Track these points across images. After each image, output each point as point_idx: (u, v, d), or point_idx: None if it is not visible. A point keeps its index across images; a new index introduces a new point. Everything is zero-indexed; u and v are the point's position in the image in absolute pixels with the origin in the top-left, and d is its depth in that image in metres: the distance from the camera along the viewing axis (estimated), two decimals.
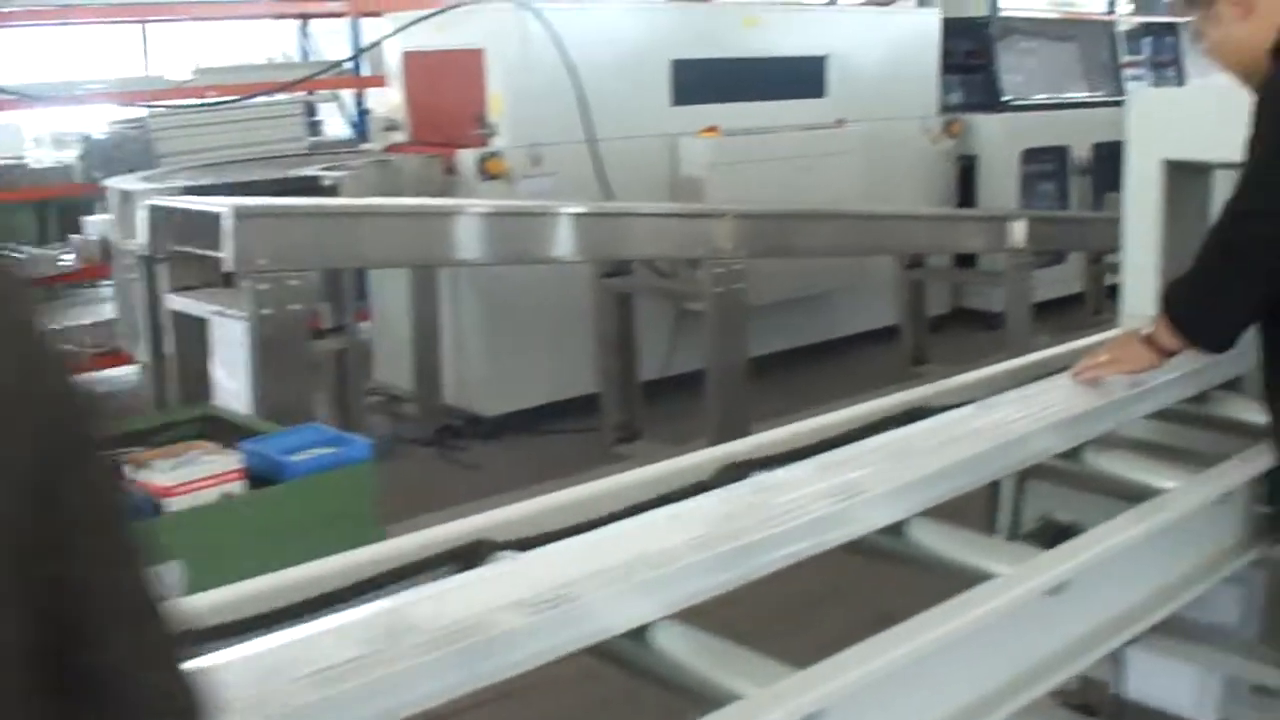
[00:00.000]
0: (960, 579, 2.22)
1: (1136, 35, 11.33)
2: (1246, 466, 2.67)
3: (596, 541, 2.08)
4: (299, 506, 3.02)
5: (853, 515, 2.25)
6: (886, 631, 1.89)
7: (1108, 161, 9.83)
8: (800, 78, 8.36)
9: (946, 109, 9.48)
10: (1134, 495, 2.60)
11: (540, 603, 1.79)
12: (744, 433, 6.28)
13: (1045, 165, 9.89)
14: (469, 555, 2.17)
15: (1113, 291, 9.18)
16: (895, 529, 2.35)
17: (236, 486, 3.09)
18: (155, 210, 5.50)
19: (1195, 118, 3.75)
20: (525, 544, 2.23)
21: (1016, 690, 2.11)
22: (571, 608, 1.82)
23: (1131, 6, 11.68)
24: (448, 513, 5.52)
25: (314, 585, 2.00)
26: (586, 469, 6.33)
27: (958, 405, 2.94)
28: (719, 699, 1.79)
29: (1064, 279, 9.49)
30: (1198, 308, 2.69)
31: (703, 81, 7.75)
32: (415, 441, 7.02)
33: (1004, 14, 10.21)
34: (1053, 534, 2.77)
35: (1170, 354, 2.77)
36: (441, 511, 5.65)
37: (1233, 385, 3.32)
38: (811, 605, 3.61)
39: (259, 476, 3.16)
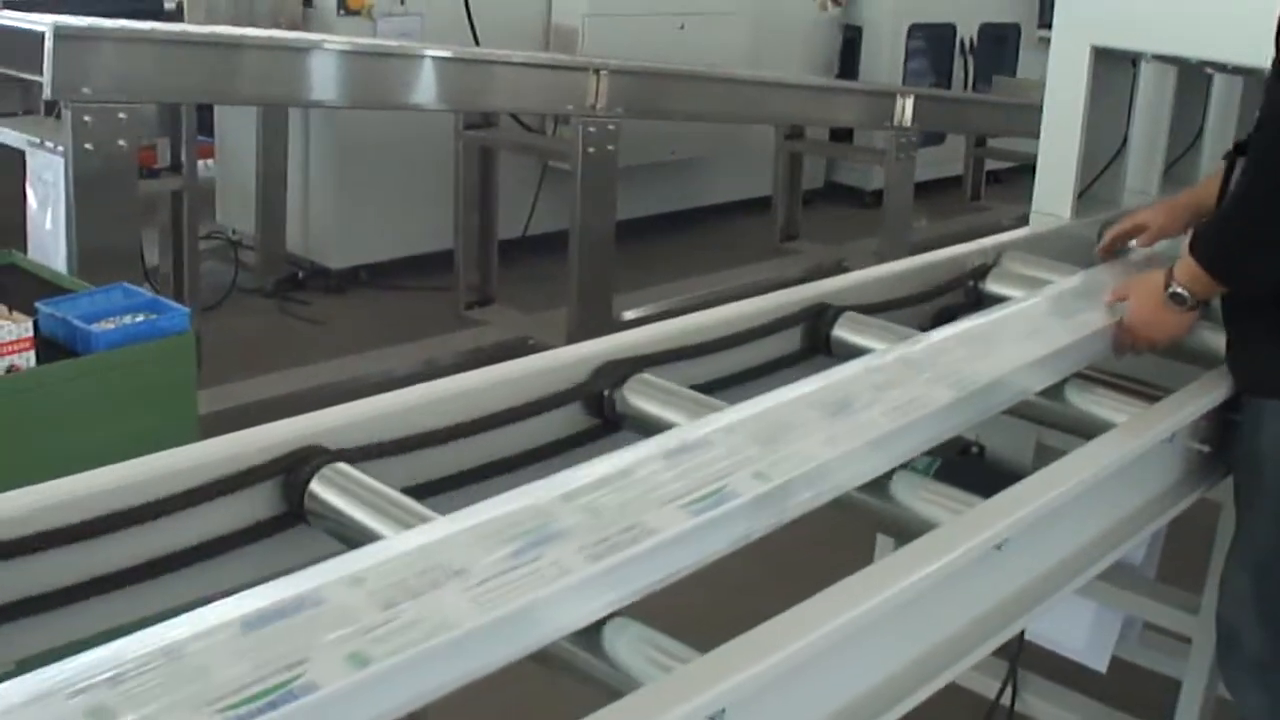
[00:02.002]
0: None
1: None
2: (1200, 400, 2.38)
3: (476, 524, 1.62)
4: (101, 385, 2.57)
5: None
6: (814, 599, 1.57)
7: (993, 43, 9.71)
8: None
9: None
10: (1079, 429, 2.33)
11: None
12: (606, 303, 6.13)
13: (930, 41, 9.62)
14: (295, 466, 1.78)
15: (992, 177, 9.30)
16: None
17: (25, 359, 2.63)
18: None
19: (1127, 2, 3.46)
20: (363, 453, 1.85)
21: (957, 652, 1.83)
22: None
23: None
24: (284, 375, 5.27)
25: (95, 501, 1.61)
26: (436, 332, 6.05)
27: (858, 306, 2.59)
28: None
29: (942, 160, 9.29)
30: (1242, 249, 2.38)
31: None
32: (255, 292, 6.64)
33: None
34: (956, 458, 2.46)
35: (1201, 304, 2.47)
36: (279, 373, 5.31)
37: None
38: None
39: (55, 346, 2.71)
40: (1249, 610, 2.51)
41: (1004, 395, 2.27)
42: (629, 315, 6.19)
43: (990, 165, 9.38)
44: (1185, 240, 2.57)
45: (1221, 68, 3.46)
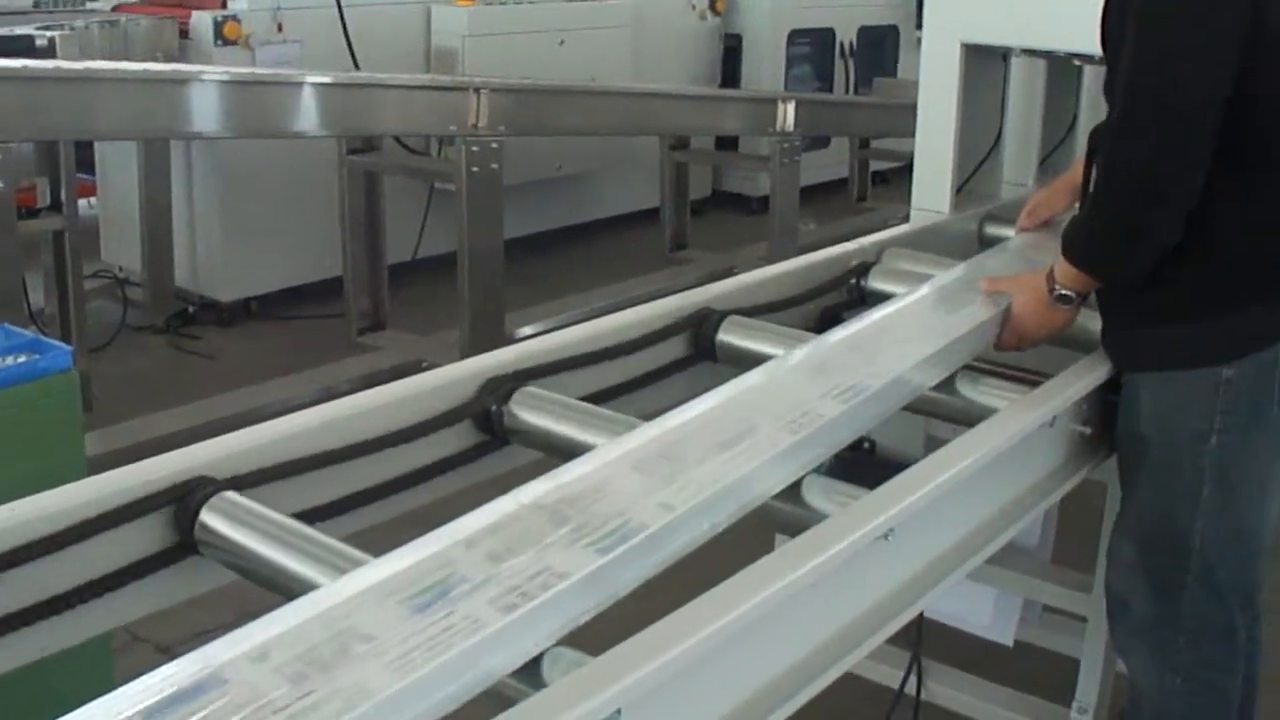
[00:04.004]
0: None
1: None
2: (1080, 383, 2.44)
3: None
4: None
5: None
6: (704, 596, 1.59)
7: (873, 45, 9.80)
8: None
9: None
10: (965, 419, 2.36)
11: None
12: (498, 321, 6.13)
13: (811, 46, 9.67)
14: (184, 496, 1.78)
15: (877, 177, 9.39)
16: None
17: None
18: None
19: None
20: (252, 479, 1.85)
21: (852, 641, 1.86)
22: None
23: None
24: (178, 411, 5.22)
25: None
26: (330, 360, 6.02)
27: (742, 309, 2.61)
28: None
29: (828, 164, 9.35)
30: (1109, 248, 2.45)
31: None
32: (146, 329, 6.55)
33: None
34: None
35: (1083, 298, 2.55)
36: (173, 409, 5.27)
37: None
38: None
39: None
40: (1137, 578, 2.59)
41: (897, 397, 2.28)
42: (523, 332, 6.19)
43: (875, 165, 9.45)
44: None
45: (1089, 59, 3.52)
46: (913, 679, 3.22)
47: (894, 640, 2.12)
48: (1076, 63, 3.73)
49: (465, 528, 1.64)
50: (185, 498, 1.78)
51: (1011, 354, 2.61)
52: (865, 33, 9.79)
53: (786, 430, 1.98)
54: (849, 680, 1.87)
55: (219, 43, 6.32)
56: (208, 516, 1.77)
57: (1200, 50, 2.27)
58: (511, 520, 1.67)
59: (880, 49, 9.89)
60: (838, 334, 2.43)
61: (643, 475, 1.82)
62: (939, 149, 3.58)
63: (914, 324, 2.52)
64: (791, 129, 7.44)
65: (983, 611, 3.20)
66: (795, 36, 9.42)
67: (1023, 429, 2.22)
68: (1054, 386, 2.41)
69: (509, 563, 1.56)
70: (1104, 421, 2.58)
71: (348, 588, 1.50)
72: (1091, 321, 2.60)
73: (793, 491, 2.02)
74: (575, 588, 1.54)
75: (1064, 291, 2.51)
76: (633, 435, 1.95)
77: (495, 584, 1.51)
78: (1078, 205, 2.78)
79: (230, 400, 5.40)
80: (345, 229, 6.37)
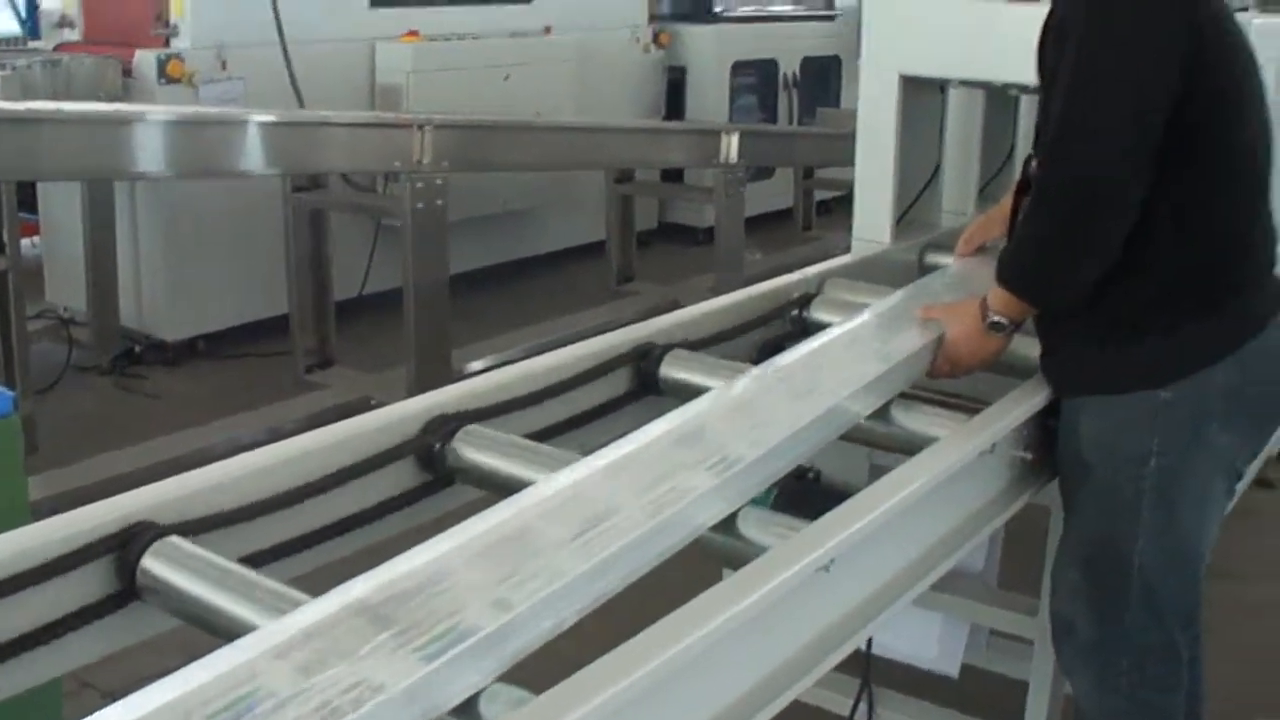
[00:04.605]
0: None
1: None
2: (1019, 409, 2.47)
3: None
4: None
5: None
6: (645, 633, 1.59)
7: (816, 76, 9.87)
8: None
9: (656, 18, 9.26)
10: (907, 448, 2.37)
11: None
12: (445, 356, 6.12)
13: (754, 78, 9.75)
14: (127, 542, 1.78)
15: (822, 207, 9.44)
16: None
17: None
18: None
19: (931, 31, 3.57)
20: (194, 525, 1.85)
21: (797, 672, 1.86)
22: None
23: None
24: (124, 452, 5.19)
25: None
26: (277, 398, 6.00)
27: (684, 342, 2.64)
28: None
29: (773, 194, 9.41)
30: (1046, 274, 2.49)
31: None
32: (91, 369, 6.50)
33: None
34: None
35: (1017, 326, 2.58)
36: (119, 451, 5.23)
37: None
38: None
39: None
40: (1081, 600, 2.61)
41: (834, 426, 2.29)
42: (471, 367, 6.18)
43: (820, 195, 9.52)
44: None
45: (1026, 89, 3.56)
46: (863, 706, 3.23)
47: (843, 667, 2.14)
48: (1013, 93, 3.78)
49: (280, 630, 1.50)
50: (128, 544, 1.78)
51: (954, 381, 2.64)
52: (808, 63, 9.89)
53: (711, 474, 1.95)
54: (798, 709, 1.88)
55: (162, 81, 6.30)
56: (149, 562, 1.76)
57: (1137, 75, 2.31)
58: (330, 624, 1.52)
59: (824, 79, 9.98)
60: (770, 366, 2.44)
61: (558, 525, 1.78)
62: (878, 179, 3.62)
63: (848, 354, 2.53)
64: (735, 160, 7.47)
65: (928, 642, 3.21)
66: (739, 68, 9.50)
67: (962, 457, 2.24)
68: (993, 413, 2.43)
69: (320, 676, 1.41)
70: (1045, 446, 2.61)
71: (145, 703, 1.35)
72: (1030, 348, 2.63)
73: (729, 525, 2.02)
74: (390, 702, 1.40)
75: (997, 319, 2.53)
76: (553, 481, 1.92)
77: (303, 700, 1.37)
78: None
79: (177, 441, 5.37)
80: (291, 266, 6.36)
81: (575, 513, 1.81)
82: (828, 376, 2.38)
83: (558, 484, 1.90)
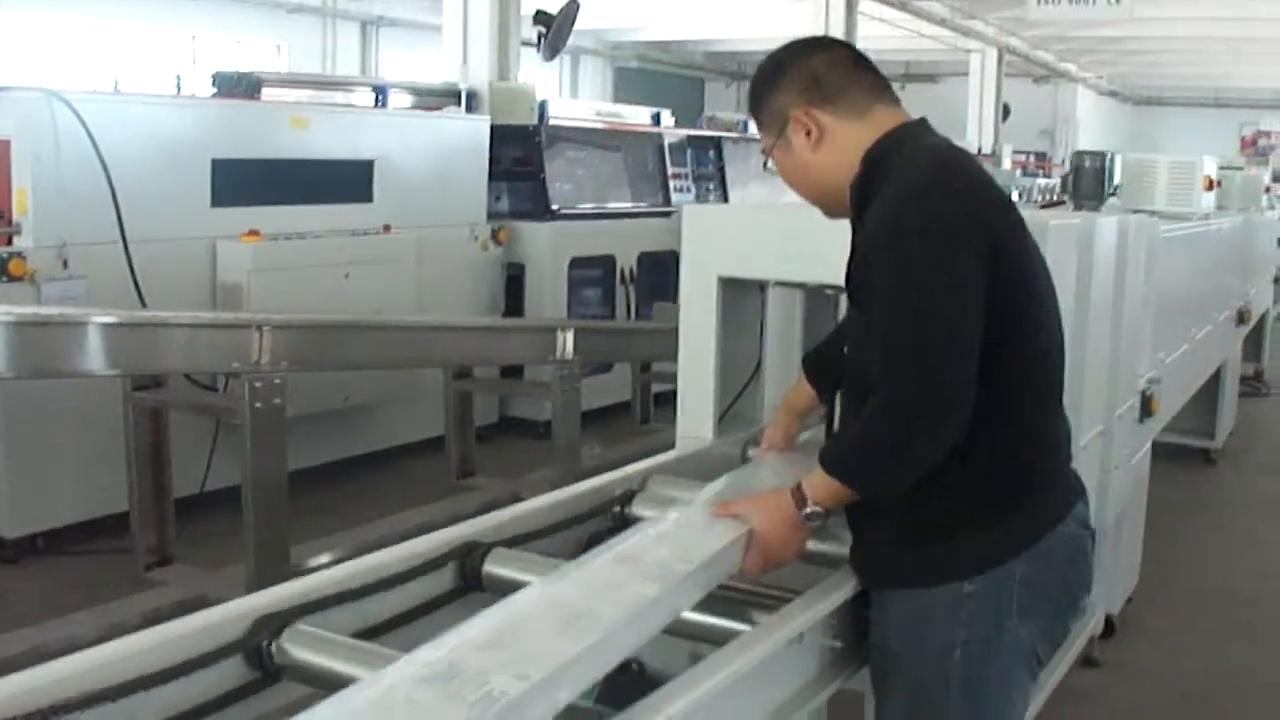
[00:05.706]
0: None
1: (681, 148, 11.59)
2: (826, 600, 2.58)
3: None
4: None
5: None
6: None
7: (654, 271, 10.08)
8: (347, 181, 8.17)
9: (495, 216, 9.46)
10: (720, 639, 2.43)
11: None
12: (284, 554, 6.11)
13: (593, 273, 9.96)
14: None
15: (660, 399, 9.58)
16: None
17: None
18: None
19: (747, 236, 3.74)
20: None
21: None
22: None
23: (672, 120, 11.96)
24: None
25: None
26: (117, 595, 5.93)
27: (511, 540, 2.72)
28: None
29: (613, 387, 9.56)
30: (880, 467, 2.54)
31: (245, 182, 7.47)
32: None
33: (553, 122, 10.29)
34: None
35: (828, 516, 2.64)
36: None
37: None
38: None
39: None
40: None
41: (650, 624, 2.27)
42: (312, 563, 6.17)
43: (658, 388, 9.61)
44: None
45: (841, 289, 3.71)
46: None
47: None
48: (829, 293, 3.93)
49: None
50: None
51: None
52: (645, 258, 10.10)
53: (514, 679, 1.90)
54: None
55: (3, 279, 6.28)
56: None
57: (942, 312, 2.43)
58: None
59: (661, 274, 10.10)
60: (587, 563, 2.44)
61: None
62: (700, 377, 3.74)
63: (661, 551, 2.50)
64: (571, 356, 7.57)
65: None
66: (577, 264, 9.67)
67: (770, 647, 2.33)
68: (802, 603, 2.53)
69: None
70: (857, 632, 2.71)
71: None
72: (835, 543, 2.74)
73: None
74: None
75: (814, 509, 2.59)
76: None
77: None
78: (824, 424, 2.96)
79: (16, 639, 5.28)
80: (130, 464, 6.33)
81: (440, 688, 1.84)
82: (641, 573, 2.38)
83: (369, 691, 1.87)
